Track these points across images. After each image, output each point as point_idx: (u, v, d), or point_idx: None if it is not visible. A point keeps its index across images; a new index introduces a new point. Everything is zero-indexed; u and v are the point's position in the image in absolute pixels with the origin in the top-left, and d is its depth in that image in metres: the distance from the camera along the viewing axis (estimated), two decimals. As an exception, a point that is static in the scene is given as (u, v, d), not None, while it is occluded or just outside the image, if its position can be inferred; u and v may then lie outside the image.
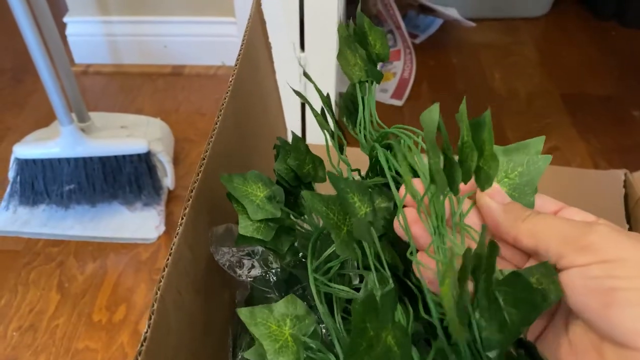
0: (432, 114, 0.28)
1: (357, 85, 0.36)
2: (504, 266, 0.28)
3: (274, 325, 0.32)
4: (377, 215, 0.32)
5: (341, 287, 0.32)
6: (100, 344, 0.77)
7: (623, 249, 0.23)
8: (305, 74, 0.39)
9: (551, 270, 0.25)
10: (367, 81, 0.36)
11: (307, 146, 0.39)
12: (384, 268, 0.30)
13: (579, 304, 0.23)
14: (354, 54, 0.37)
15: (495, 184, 0.29)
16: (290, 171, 0.38)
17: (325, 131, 0.38)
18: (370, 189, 0.32)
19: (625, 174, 0.60)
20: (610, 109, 1.16)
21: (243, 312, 0.32)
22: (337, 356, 0.31)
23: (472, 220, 0.29)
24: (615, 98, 1.19)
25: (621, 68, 1.27)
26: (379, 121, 0.36)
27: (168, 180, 0.94)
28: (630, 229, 0.58)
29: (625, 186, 0.60)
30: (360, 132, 0.36)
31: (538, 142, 0.31)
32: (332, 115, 0.39)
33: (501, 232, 0.28)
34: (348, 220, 0.30)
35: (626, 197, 0.60)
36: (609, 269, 0.22)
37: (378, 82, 0.37)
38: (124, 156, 0.87)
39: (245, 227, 0.36)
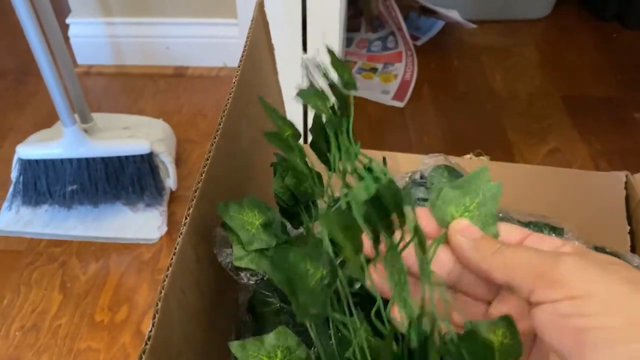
0: (347, 220, 0.26)
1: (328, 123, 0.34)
2: (472, 309, 0.29)
3: (265, 357, 0.32)
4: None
5: (335, 315, 0.32)
6: (103, 344, 0.77)
7: (590, 282, 0.23)
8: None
9: (512, 325, 0.25)
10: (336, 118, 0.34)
11: (306, 162, 0.39)
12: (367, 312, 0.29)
13: (553, 341, 0.23)
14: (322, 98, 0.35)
15: (464, 220, 0.29)
16: (287, 190, 0.38)
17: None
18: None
19: (627, 176, 0.61)
20: (611, 110, 1.16)
21: (234, 346, 0.32)
22: None
23: (443, 259, 0.29)
24: (616, 100, 1.19)
25: (622, 70, 1.27)
26: (361, 153, 0.33)
27: (170, 181, 0.95)
28: (631, 230, 0.58)
29: (626, 188, 0.60)
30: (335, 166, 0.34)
31: (484, 172, 0.31)
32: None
33: (473, 268, 0.28)
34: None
35: (627, 198, 0.60)
36: (578, 306, 0.22)
37: (347, 119, 0.34)
38: (126, 157, 0.87)
39: (239, 258, 0.36)
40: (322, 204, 0.42)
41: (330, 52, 0.34)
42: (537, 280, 0.24)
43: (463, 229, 0.28)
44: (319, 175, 0.39)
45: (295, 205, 0.39)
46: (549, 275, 0.23)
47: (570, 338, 0.22)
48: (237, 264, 0.36)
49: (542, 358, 0.26)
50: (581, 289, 0.23)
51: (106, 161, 0.87)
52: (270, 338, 0.32)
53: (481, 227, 0.29)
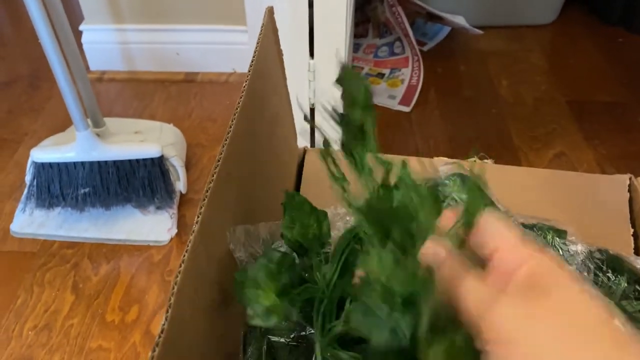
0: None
1: None
2: None
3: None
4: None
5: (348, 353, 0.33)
6: (113, 343, 0.79)
7: (515, 330, 0.22)
8: (306, 118, 0.39)
9: None
10: None
11: (310, 205, 0.40)
12: None
13: None
14: None
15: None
16: (296, 241, 0.39)
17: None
18: None
19: (630, 179, 0.61)
20: (616, 115, 1.16)
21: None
22: None
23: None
24: (621, 105, 1.19)
25: (628, 75, 1.28)
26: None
27: (180, 184, 0.96)
28: (635, 233, 0.58)
29: (629, 190, 0.61)
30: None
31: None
32: None
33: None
34: None
35: (631, 201, 0.61)
36: (501, 354, 0.22)
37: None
38: (137, 160, 0.89)
39: (252, 317, 0.36)
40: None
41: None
42: (479, 321, 0.24)
43: (433, 250, 0.28)
44: (324, 214, 0.40)
45: (305, 254, 0.40)
46: (485, 318, 0.23)
47: None
48: (251, 322, 0.36)
49: None
50: (506, 336, 0.22)
51: (118, 165, 0.89)
52: None
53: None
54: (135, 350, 0.78)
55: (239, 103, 0.42)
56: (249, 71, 0.45)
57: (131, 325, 0.81)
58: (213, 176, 0.38)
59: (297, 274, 0.38)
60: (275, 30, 0.53)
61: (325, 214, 0.41)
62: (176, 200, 0.96)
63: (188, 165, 1.04)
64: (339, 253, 0.37)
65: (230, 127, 0.41)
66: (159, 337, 0.31)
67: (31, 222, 0.94)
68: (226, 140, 0.40)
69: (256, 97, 0.47)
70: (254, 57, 0.46)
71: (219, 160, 0.39)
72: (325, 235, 0.40)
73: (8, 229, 0.94)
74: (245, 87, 0.44)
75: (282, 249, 0.40)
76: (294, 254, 0.40)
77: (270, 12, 0.51)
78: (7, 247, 0.92)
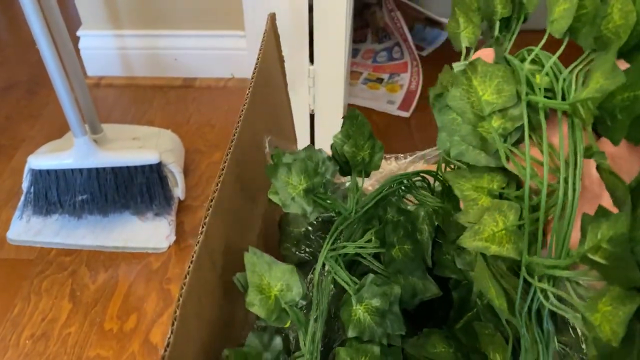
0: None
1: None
2: None
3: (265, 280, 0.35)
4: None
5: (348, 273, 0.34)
6: (112, 352, 0.78)
7: None
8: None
9: None
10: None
11: (370, 131, 0.39)
12: None
13: None
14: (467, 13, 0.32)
15: None
16: (343, 156, 0.39)
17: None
18: None
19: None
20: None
21: (248, 256, 0.35)
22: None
23: None
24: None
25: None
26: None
27: (179, 191, 0.96)
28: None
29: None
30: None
31: None
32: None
33: None
34: None
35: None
36: None
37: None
38: (135, 167, 0.88)
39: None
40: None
41: None
42: None
43: None
44: (381, 146, 0.40)
45: (347, 166, 0.40)
46: None
47: None
48: (269, 195, 0.37)
49: None
50: None
51: (116, 171, 0.88)
52: (277, 270, 0.35)
53: None
54: (133, 359, 0.77)
55: (242, 110, 0.42)
56: (252, 77, 0.44)
57: (130, 333, 0.80)
58: (217, 185, 0.38)
59: (328, 187, 0.39)
60: (277, 37, 0.53)
61: (381, 146, 0.40)
62: (174, 206, 0.95)
63: (186, 171, 1.04)
64: (382, 188, 0.38)
65: (234, 134, 0.40)
66: (165, 350, 0.31)
67: (28, 229, 0.93)
68: (230, 147, 0.40)
69: (259, 103, 0.47)
70: (257, 63, 0.45)
71: (223, 169, 0.38)
72: (373, 166, 0.40)
73: (4, 236, 0.93)
74: (249, 93, 0.43)
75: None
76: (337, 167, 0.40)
77: (272, 18, 0.51)
78: (3, 255, 0.91)
